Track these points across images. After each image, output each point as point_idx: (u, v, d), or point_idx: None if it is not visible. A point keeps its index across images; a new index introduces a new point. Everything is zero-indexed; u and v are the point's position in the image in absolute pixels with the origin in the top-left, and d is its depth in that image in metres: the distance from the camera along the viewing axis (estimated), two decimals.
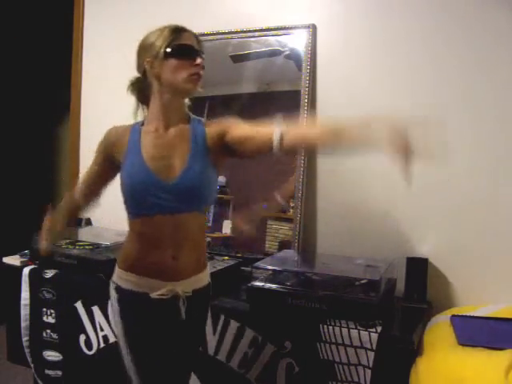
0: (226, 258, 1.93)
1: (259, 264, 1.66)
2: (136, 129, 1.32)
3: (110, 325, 1.79)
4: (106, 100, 2.39)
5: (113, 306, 1.33)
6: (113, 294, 1.31)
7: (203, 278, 1.35)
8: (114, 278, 1.32)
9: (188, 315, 1.30)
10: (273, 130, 1.18)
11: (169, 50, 1.23)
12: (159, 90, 1.28)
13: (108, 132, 1.35)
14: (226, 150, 1.29)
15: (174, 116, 1.30)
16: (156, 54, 1.24)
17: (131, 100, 1.40)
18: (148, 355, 1.28)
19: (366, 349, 1.38)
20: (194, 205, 1.26)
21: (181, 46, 1.24)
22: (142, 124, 1.33)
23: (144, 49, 1.29)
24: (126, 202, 1.29)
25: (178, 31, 1.25)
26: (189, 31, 1.28)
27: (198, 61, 1.24)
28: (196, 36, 1.29)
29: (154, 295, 1.25)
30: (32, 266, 1.96)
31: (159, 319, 1.28)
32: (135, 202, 1.27)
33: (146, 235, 1.27)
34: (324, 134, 1.16)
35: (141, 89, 1.34)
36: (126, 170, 1.27)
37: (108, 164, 1.35)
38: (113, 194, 1.37)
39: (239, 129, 1.26)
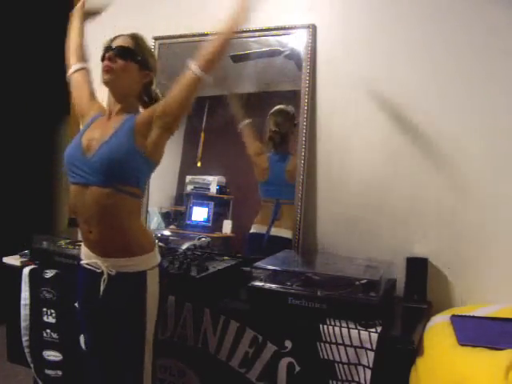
0: (226, 257, 1.93)
1: (259, 264, 1.66)
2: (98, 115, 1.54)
3: None
4: (105, 99, 2.38)
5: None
6: None
7: (131, 264, 1.38)
8: None
9: (107, 295, 1.38)
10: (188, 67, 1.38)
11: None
12: None
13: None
14: (158, 128, 1.40)
15: (114, 106, 1.49)
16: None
17: None
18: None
19: (365, 349, 1.38)
20: (105, 178, 1.34)
21: (105, 47, 1.46)
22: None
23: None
24: None
25: (114, 38, 1.47)
26: (121, 36, 1.47)
27: (106, 55, 1.43)
28: (130, 37, 1.47)
29: (82, 262, 1.45)
30: (32, 266, 1.95)
31: (84, 290, 1.47)
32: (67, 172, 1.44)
33: (70, 205, 1.46)
34: (225, 33, 1.46)
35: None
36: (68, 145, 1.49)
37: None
38: None
39: (166, 97, 1.43)
